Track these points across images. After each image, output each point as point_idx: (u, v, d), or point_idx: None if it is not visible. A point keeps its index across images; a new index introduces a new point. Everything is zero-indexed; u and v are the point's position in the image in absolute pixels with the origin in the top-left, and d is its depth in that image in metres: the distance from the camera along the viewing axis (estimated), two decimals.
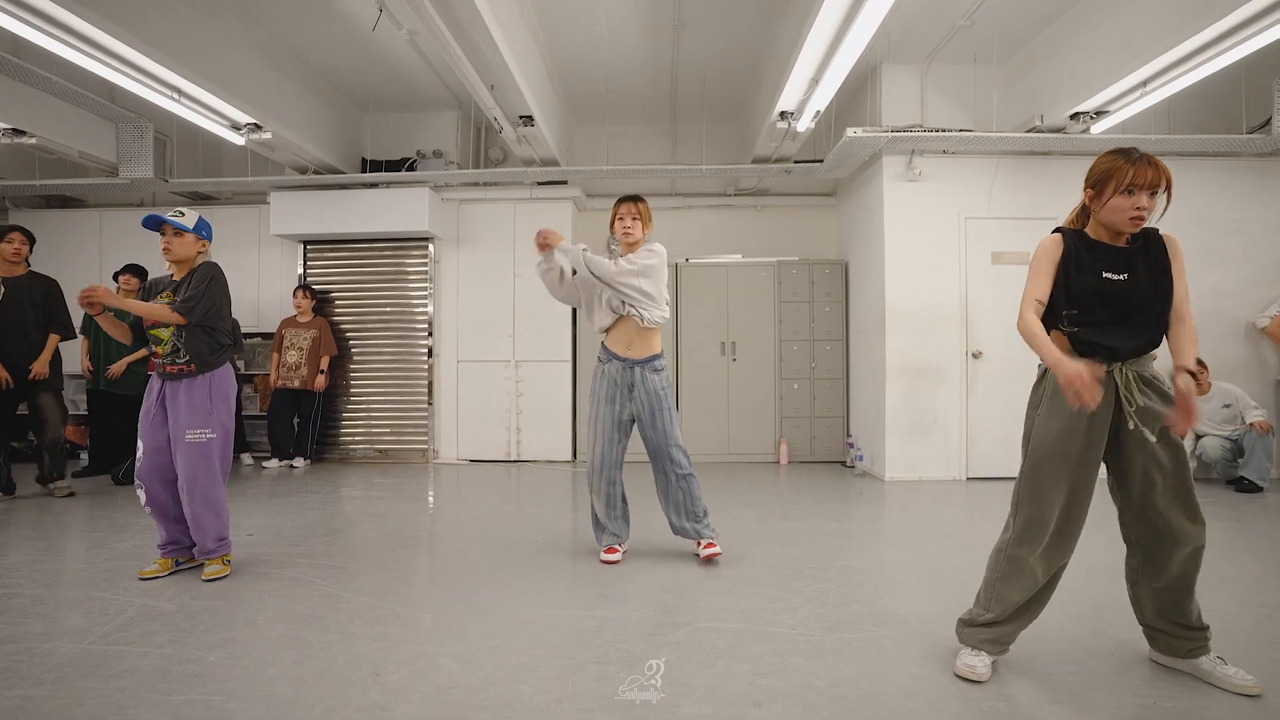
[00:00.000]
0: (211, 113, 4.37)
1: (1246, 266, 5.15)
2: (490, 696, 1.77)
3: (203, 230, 2.78)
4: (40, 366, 4.16)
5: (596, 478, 2.97)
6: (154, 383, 2.73)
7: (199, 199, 6.39)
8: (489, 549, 3.23)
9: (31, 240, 4.38)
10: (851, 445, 5.71)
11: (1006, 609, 1.87)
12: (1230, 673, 1.79)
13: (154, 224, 2.70)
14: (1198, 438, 4.88)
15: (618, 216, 3.05)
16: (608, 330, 3.01)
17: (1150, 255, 1.82)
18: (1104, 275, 1.79)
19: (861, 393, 5.70)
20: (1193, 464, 4.91)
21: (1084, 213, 1.90)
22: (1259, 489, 4.53)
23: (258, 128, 4.67)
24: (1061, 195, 5.10)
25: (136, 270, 5.21)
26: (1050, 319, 1.87)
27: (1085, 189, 1.85)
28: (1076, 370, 1.64)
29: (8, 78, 4.50)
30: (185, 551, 2.82)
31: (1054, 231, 1.90)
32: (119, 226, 6.35)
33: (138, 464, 2.70)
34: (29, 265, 4.37)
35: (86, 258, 6.23)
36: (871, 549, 3.31)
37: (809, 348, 5.98)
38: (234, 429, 2.84)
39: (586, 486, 3.05)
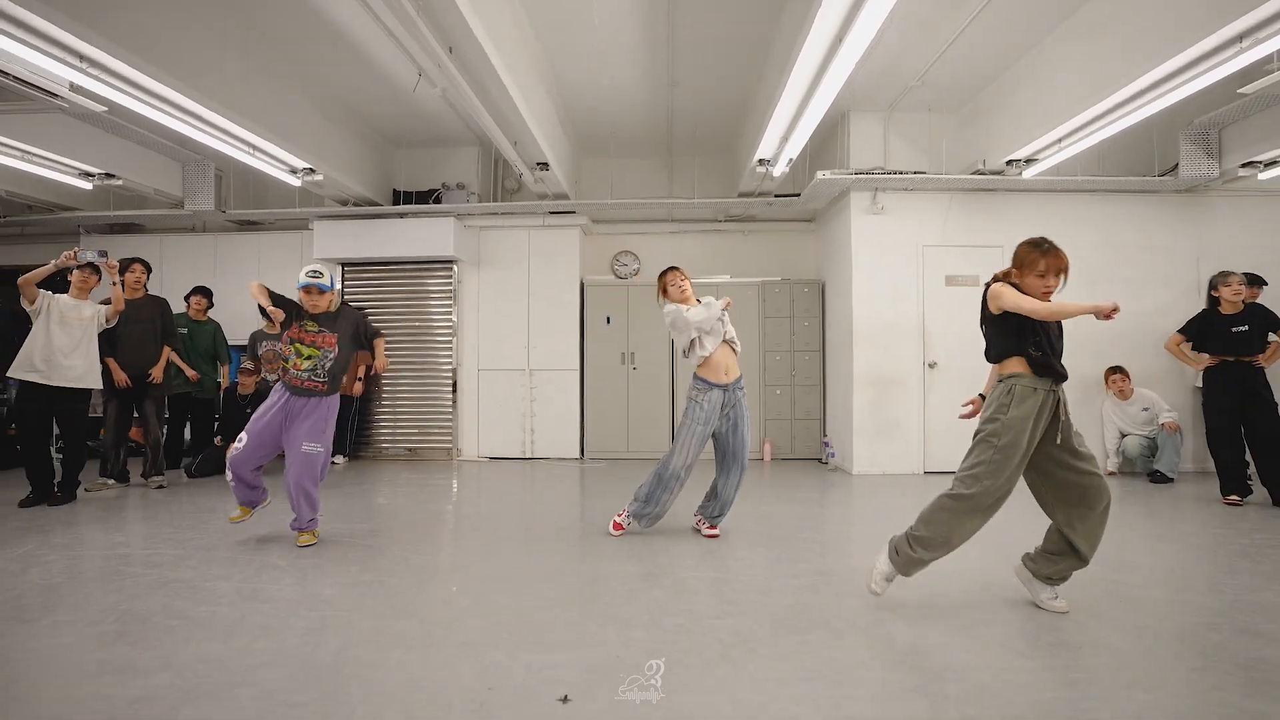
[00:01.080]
0: (276, 161, 5.15)
1: (1169, 289, 5.91)
2: (535, 618, 2.54)
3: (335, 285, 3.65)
4: (159, 372, 4.97)
5: (676, 482, 3.55)
6: (281, 394, 3.48)
7: (249, 226, 7.18)
8: (516, 525, 4.00)
9: (149, 269, 5.22)
10: (827, 444, 6.47)
11: (942, 553, 2.51)
12: (1051, 596, 2.56)
13: (302, 286, 3.48)
14: (1122, 436, 5.64)
15: (670, 282, 3.70)
16: (706, 361, 3.55)
17: None
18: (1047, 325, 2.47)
19: (836, 398, 6.46)
20: (1117, 459, 5.67)
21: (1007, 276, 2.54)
22: (1170, 480, 5.28)
23: (311, 171, 5.46)
24: (1005, 227, 5.89)
25: (205, 291, 6.02)
26: (1017, 347, 2.46)
27: (1012, 269, 2.51)
28: (1104, 303, 2.22)
29: (101, 130, 5.32)
30: (257, 503, 3.66)
31: (1004, 281, 2.51)
32: (177, 250, 7.15)
33: (236, 451, 3.40)
34: (147, 289, 5.19)
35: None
36: (828, 526, 4.07)
37: (790, 358, 6.75)
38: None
39: (655, 482, 3.57)
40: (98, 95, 3.86)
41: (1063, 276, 2.45)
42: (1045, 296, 2.44)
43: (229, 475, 3.46)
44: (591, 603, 2.67)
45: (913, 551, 2.53)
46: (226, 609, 2.55)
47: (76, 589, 2.77)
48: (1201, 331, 4.65)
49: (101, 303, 4.72)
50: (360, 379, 6.51)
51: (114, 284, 4.55)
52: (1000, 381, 2.53)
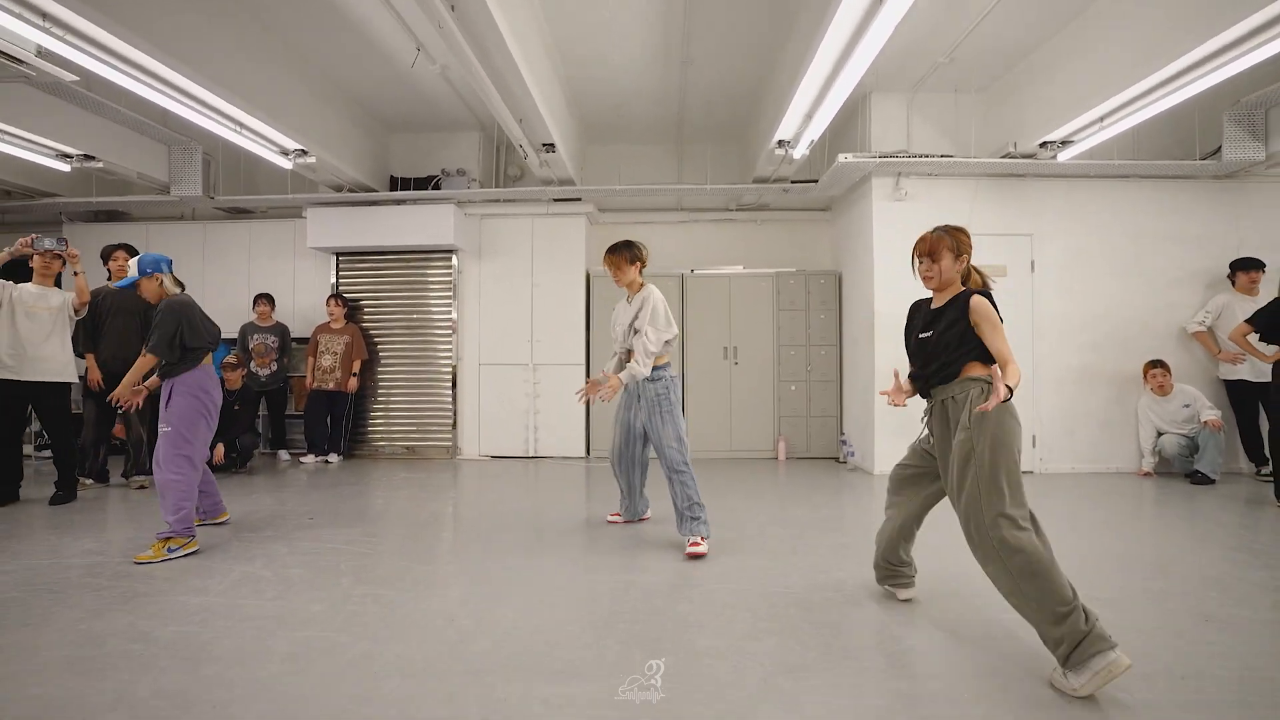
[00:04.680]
0: (266, 141, 4.84)
1: (1203, 280, 5.61)
2: (547, 639, 2.24)
3: (146, 268, 3.32)
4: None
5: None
6: None
7: (239, 214, 6.86)
8: (522, 530, 3.69)
9: (135, 256, 4.83)
10: (845, 443, 6.18)
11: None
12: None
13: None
14: (1159, 435, 5.35)
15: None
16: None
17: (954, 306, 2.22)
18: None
19: (853, 394, 6.16)
20: (1153, 460, 5.37)
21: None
22: (1211, 481, 4.99)
23: (304, 153, 5.14)
24: (1033, 214, 5.60)
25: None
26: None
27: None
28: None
29: (80, 108, 5.00)
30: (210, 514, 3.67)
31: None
32: (164, 238, 6.82)
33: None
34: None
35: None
36: (858, 530, 3.77)
37: (805, 352, 6.45)
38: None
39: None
40: (69, 62, 3.54)
41: (922, 259, 2.32)
42: (927, 283, 2.36)
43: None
44: (612, 624, 2.37)
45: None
46: (197, 629, 2.25)
47: (30, 605, 2.46)
48: (1274, 322, 4.32)
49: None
50: (355, 374, 6.21)
51: (75, 274, 4.22)
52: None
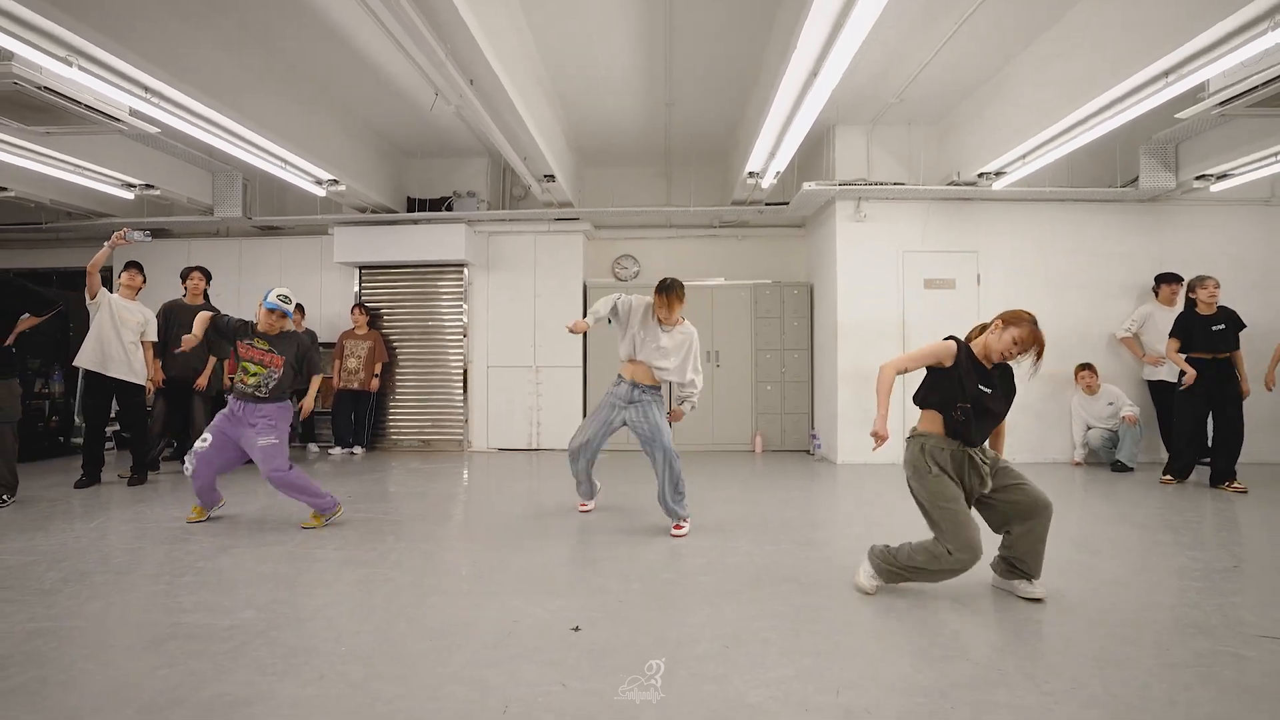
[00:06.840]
0: (304, 174, 5.59)
1: (1130, 293, 6.34)
2: (548, 573, 2.98)
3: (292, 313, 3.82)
4: (203, 381, 5.38)
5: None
6: (233, 401, 3.70)
7: (271, 231, 7.62)
8: (527, 503, 4.44)
9: (208, 276, 5.62)
10: (814, 437, 6.91)
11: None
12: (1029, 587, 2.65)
13: (268, 308, 3.67)
14: (1088, 428, 6.07)
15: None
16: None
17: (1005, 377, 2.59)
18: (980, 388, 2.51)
19: (822, 393, 6.89)
20: (1083, 451, 6.10)
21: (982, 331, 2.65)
22: (1130, 469, 5.71)
23: (335, 182, 5.89)
24: (978, 233, 6.33)
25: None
26: (941, 404, 2.56)
27: (996, 321, 2.58)
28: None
29: (141, 144, 5.76)
30: (213, 504, 3.89)
31: (949, 339, 2.63)
32: (203, 254, 7.58)
33: (202, 449, 3.60)
34: (207, 297, 5.60)
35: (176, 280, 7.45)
36: (810, 508, 4.50)
37: (780, 356, 7.18)
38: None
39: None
40: (153, 119, 4.29)
41: (1027, 352, 2.51)
42: (1004, 359, 2.54)
43: (188, 467, 3.63)
44: (596, 563, 3.11)
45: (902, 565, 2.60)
46: (286, 566, 3.00)
47: (154, 550, 3.22)
48: (1186, 332, 5.06)
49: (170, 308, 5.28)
50: (377, 375, 6.95)
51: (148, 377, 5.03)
52: (910, 438, 2.72)
